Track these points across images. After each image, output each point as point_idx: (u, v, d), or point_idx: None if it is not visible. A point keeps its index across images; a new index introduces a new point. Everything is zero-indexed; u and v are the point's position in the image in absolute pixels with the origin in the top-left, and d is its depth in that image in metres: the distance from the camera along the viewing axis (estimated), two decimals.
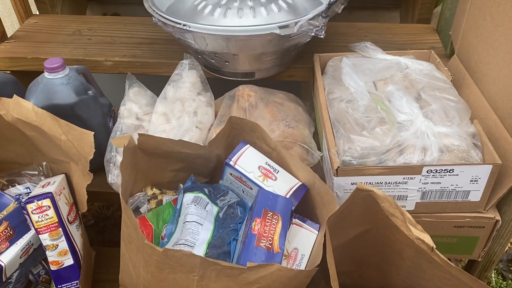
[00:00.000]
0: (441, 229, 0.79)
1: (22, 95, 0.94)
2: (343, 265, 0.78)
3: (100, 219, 1.40)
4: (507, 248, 1.27)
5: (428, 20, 1.21)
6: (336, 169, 0.71)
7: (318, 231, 0.71)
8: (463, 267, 0.94)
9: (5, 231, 0.80)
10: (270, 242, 0.62)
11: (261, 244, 0.61)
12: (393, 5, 1.43)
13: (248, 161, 0.74)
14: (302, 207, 0.74)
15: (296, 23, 0.82)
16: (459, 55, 0.96)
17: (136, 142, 0.74)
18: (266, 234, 0.63)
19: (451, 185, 0.73)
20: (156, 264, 0.60)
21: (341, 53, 0.98)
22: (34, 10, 1.31)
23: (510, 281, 1.21)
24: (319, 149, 0.89)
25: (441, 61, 0.93)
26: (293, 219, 0.71)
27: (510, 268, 1.25)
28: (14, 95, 0.82)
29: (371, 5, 1.43)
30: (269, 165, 0.75)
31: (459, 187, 0.73)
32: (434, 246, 0.57)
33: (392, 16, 1.48)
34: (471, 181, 0.72)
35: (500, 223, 0.76)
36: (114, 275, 0.82)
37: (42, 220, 0.79)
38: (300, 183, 0.74)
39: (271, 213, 0.65)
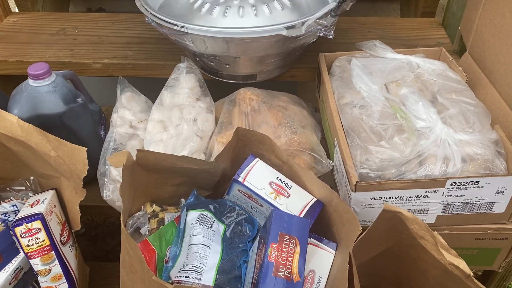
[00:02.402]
0: (462, 242, 0.74)
1: (5, 104, 0.86)
2: (359, 282, 0.73)
3: (92, 227, 1.33)
4: None
5: (433, 14, 1.16)
6: (355, 185, 0.65)
7: (336, 251, 0.66)
8: (479, 276, 0.91)
9: None
10: (289, 271, 0.57)
11: (279, 273, 0.56)
12: None
13: (258, 177, 0.68)
14: (316, 223, 0.68)
15: (303, 23, 0.76)
16: (471, 53, 0.91)
17: (134, 158, 0.68)
18: (284, 262, 0.57)
19: (475, 197, 0.68)
20: None
21: (347, 52, 0.92)
22: (13, 7, 1.22)
23: None
24: (329, 156, 0.84)
25: (453, 59, 0.88)
26: (309, 239, 0.66)
27: None
28: None
29: None
30: (281, 180, 0.69)
31: (483, 199, 0.69)
32: (471, 274, 0.53)
33: (391, 8, 1.42)
34: (496, 192, 0.68)
35: None
36: None
37: (33, 244, 0.73)
38: (315, 199, 0.68)
39: (288, 237, 0.60)
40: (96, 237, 1.31)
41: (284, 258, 0.57)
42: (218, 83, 0.96)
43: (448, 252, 0.54)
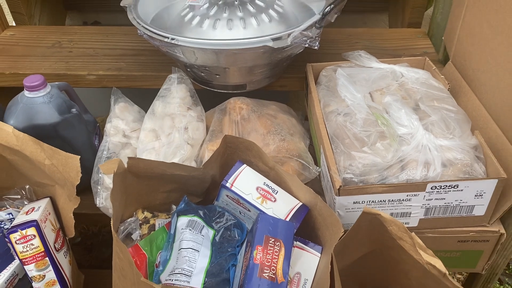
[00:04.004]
0: (444, 244, 0.76)
1: (1, 115, 0.89)
2: (347, 285, 0.75)
3: (87, 237, 1.35)
4: None
5: (419, 24, 1.19)
6: (338, 189, 0.68)
7: (321, 254, 0.68)
8: (465, 278, 0.93)
9: None
10: (274, 272, 0.59)
11: (264, 274, 0.58)
12: (381, 8, 1.41)
13: (245, 182, 0.71)
14: (302, 227, 0.71)
15: (289, 34, 0.79)
16: (454, 62, 0.94)
17: (126, 166, 0.70)
18: (269, 263, 0.59)
19: (455, 200, 0.71)
20: None
21: (334, 62, 0.95)
22: (10, 21, 1.25)
23: (507, 285, 1.21)
24: (316, 163, 0.86)
25: (436, 68, 0.91)
26: (295, 242, 0.68)
27: (506, 272, 1.24)
28: None
29: (359, 9, 1.41)
30: (267, 185, 0.71)
31: (463, 202, 0.71)
32: (447, 273, 0.55)
33: (380, 19, 1.46)
34: (475, 196, 0.70)
35: (505, 236, 0.74)
36: None
37: (27, 250, 0.75)
38: (301, 203, 0.70)
39: (273, 240, 0.62)
40: (91, 246, 1.33)
41: (269, 260, 0.60)
42: (209, 93, 0.99)
43: (425, 252, 0.56)
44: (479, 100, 0.83)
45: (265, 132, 0.88)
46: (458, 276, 1.15)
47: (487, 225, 0.74)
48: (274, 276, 0.58)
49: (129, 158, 0.69)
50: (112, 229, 0.59)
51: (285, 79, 1.02)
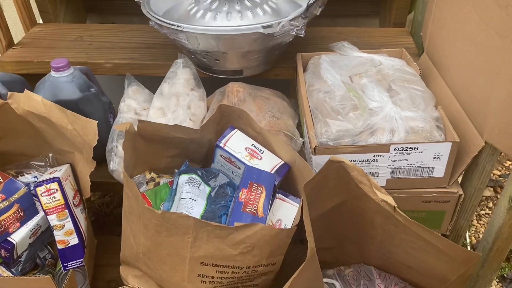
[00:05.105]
0: (411, 204, 0.87)
1: None
2: (325, 241, 0.86)
3: (100, 216, 1.48)
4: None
5: (403, 24, 1.32)
6: (314, 148, 0.79)
7: (299, 204, 0.79)
8: None
9: (16, 213, 0.88)
10: (255, 208, 0.70)
11: (247, 209, 0.70)
12: (373, 13, 1.54)
13: (236, 143, 0.83)
14: (285, 183, 0.83)
15: (278, 23, 0.92)
16: (427, 52, 1.06)
17: (136, 129, 0.83)
18: (251, 202, 0.71)
19: (416, 162, 0.82)
20: (155, 228, 0.68)
21: (321, 52, 1.08)
22: (38, 19, 1.41)
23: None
24: (302, 137, 0.98)
25: (412, 59, 1.03)
26: (277, 194, 0.80)
27: None
28: (25, 90, 0.91)
29: (352, 13, 1.53)
30: (255, 146, 0.84)
31: (424, 164, 0.82)
32: (396, 206, 0.66)
33: (372, 23, 1.58)
34: (434, 157, 0.81)
35: (463, 197, 0.85)
36: (115, 259, 0.91)
37: (50, 202, 0.87)
38: (283, 162, 0.82)
39: (256, 185, 0.74)
40: (103, 224, 1.46)
41: (251, 199, 0.71)
42: (211, 81, 1.11)
43: (379, 191, 0.67)
44: (446, 83, 0.95)
45: (258, 112, 1.01)
46: None
47: (447, 186, 0.85)
48: (255, 212, 0.70)
49: (139, 121, 0.82)
50: (123, 170, 0.71)
51: (279, 68, 1.14)
